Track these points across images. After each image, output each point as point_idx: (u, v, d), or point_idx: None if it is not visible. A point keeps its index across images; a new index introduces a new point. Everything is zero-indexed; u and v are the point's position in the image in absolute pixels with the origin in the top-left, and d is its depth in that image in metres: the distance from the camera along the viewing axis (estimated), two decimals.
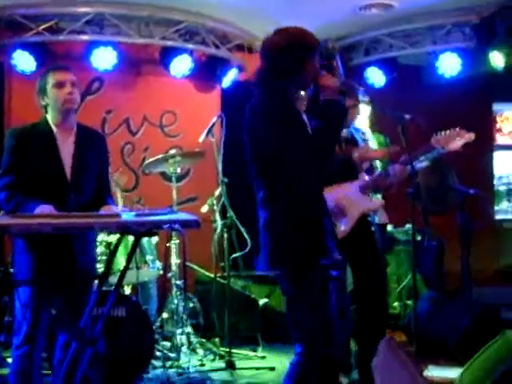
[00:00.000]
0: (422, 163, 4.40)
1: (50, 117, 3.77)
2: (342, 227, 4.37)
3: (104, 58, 6.63)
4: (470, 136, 4.39)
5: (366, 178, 4.49)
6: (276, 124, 3.06)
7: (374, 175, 4.52)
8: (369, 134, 4.82)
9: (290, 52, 3.11)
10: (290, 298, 3.19)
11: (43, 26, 6.46)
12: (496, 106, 8.89)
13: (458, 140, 4.36)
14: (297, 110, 3.17)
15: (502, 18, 6.34)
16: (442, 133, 4.35)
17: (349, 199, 4.38)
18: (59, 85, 3.71)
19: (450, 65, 7.07)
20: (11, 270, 4.95)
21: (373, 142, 4.80)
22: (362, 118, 5.01)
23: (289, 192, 3.11)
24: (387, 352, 1.54)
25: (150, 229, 3.30)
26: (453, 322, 5.37)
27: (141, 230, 3.26)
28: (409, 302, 6.45)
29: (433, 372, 4.69)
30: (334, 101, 3.12)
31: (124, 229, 3.31)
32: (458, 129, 4.35)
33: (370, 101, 5.00)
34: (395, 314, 6.52)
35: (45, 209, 3.44)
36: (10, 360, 4.47)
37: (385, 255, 5.18)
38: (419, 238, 6.73)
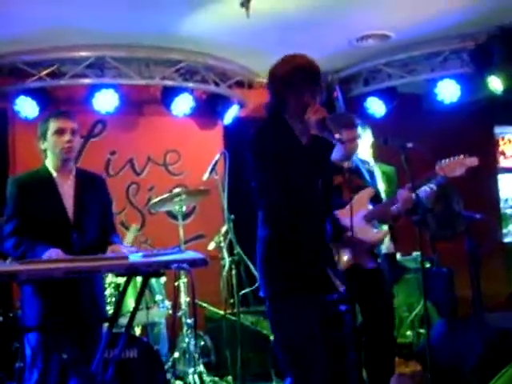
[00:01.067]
0: (429, 188, 4.39)
1: (49, 161, 3.83)
2: (346, 257, 4.35)
3: (106, 101, 6.69)
4: (473, 161, 4.37)
5: (370, 206, 4.48)
6: (258, 157, 3.09)
7: (378, 205, 4.51)
8: (373, 164, 4.83)
9: (272, 82, 3.16)
10: (271, 325, 3.19)
11: (44, 72, 6.53)
12: (498, 129, 8.92)
13: (462, 167, 4.34)
14: (289, 139, 3.12)
15: (498, 43, 6.40)
16: (446, 160, 4.35)
17: (354, 229, 4.35)
18: (59, 132, 3.77)
19: (449, 91, 7.09)
20: (20, 315, 4.96)
21: (377, 172, 4.80)
22: (365, 148, 5.02)
23: (271, 218, 3.13)
24: None
25: (158, 269, 3.31)
26: (467, 348, 5.32)
27: (149, 270, 3.28)
28: (421, 331, 6.39)
29: None
30: (318, 137, 3.04)
31: (132, 270, 3.32)
32: (461, 156, 4.35)
33: (372, 131, 5.02)
34: (408, 342, 6.46)
35: (53, 253, 3.46)
36: None
37: (392, 286, 5.14)
38: (428, 265, 6.71)
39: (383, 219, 4.55)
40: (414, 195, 4.14)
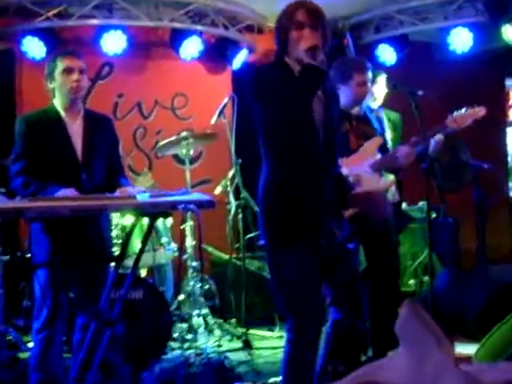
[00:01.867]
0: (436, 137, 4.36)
1: (57, 101, 3.80)
2: (351, 209, 4.33)
3: (114, 42, 6.61)
4: (480, 110, 4.31)
5: (378, 155, 4.45)
6: (253, 89, 3.07)
7: (384, 155, 4.47)
8: (381, 112, 4.79)
9: (278, 20, 3.11)
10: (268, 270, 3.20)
11: (52, 12, 6.44)
12: (509, 82, 8.81)
13: (470, 117, 4.29)
14: (286, 75, 3.05)
15: None
16: (457, 112, 4.29)
17: (360, 177, 4.34)
18: (67, 71, 3.72)
19: (461, 40, 7.00)
20: (28, 255, 5.01)
21: (385, 119, 4.76)
22: (382, 93, 4.99)
23: (268, 160, 3.08)
24: (410, 315, 1.52)
25: (166, 209, 3.31)
26: (469, 299, 5.36)
27: (156, 210, 3.28)
28: (425, 279, 6.43)
29: None
30: (310, 64, 2.93)
31: (139, 210, 3.33)
32: (473, 108, 4.28)
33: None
34: (410, 291, 6.51)
35: (67, 192, 3.46)
36: (30, 344, 4.52)
37: (398, 234, 5.14)
38: (434, 215, 6.70)
39: (389, 169, 4.53)
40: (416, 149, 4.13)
